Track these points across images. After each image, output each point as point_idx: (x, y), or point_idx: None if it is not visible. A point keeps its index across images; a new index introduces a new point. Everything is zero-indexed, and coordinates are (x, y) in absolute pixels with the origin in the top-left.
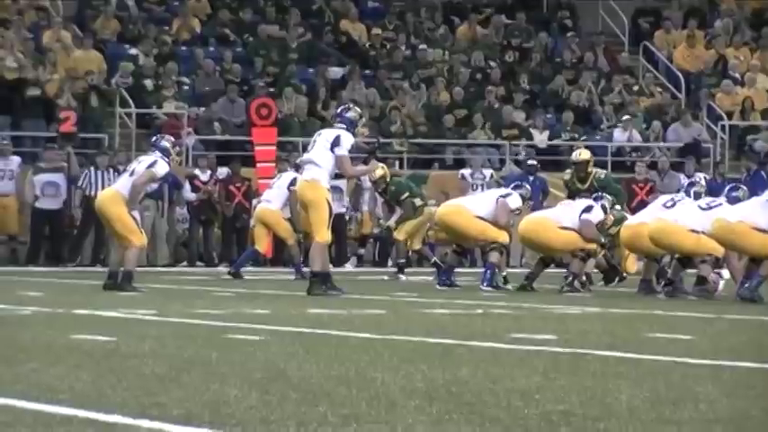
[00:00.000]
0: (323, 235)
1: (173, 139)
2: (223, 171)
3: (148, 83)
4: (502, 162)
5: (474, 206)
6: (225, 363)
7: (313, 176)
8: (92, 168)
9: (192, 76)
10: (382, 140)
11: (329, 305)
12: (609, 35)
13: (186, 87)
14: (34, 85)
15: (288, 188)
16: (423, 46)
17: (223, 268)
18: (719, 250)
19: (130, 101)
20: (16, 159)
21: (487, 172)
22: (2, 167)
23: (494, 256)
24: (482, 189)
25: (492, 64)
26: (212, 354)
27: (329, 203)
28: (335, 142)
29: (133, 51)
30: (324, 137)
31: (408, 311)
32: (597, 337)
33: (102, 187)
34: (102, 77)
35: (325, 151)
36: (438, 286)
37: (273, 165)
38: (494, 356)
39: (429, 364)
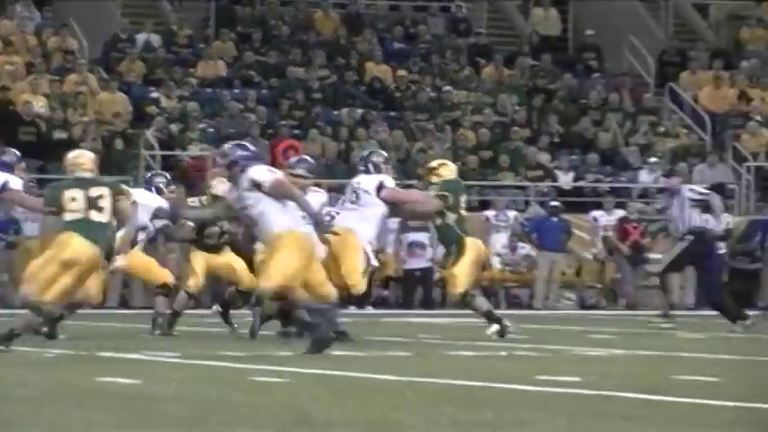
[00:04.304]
0: None
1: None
2: None
3: (173, 126)
4: (527, 203)
5: None
6: (249, 406)
7: None
8: None
9: (218, 118)
10: (407, 182)
11: (353, 347)
12: (634, 76)
13: (211, 130)
14: (60, 128)
15: None
16: (448, 87)
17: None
18: None
19: (155, 143)
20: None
21: (511, 214)
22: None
23: None
24: (505, 231)
25: (517, 105)
26: (236, 396)
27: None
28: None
29: (156, 94)
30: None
31: (432, 353)
32: (622, 379)
33: None
34: (127, 120)
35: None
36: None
37: None
38: (518, 399)
39: (454, 407)
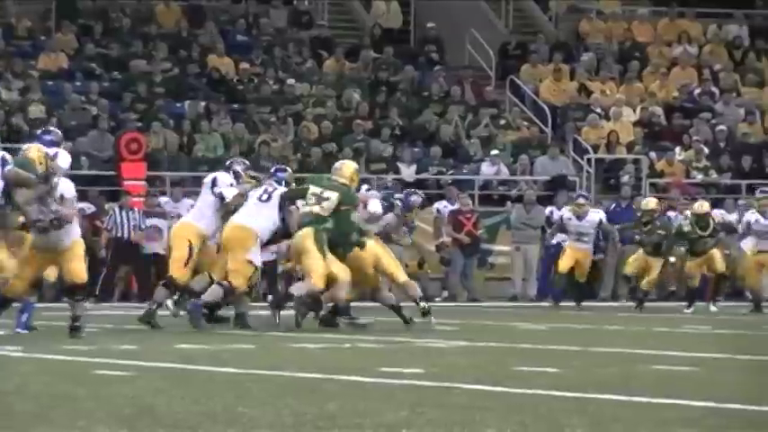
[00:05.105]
0: None
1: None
2: (91, 206)
3: (13, 119)
4: None
5: None
6: (92, 399)
7: None
8: (117, 208)
9: (59, 110)
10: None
11: (197, 340)
12: (475, 69)
13: (53, 122)
14: None
15: None
16: (290, 80)
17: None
18: None
19: None
20: None
21: None
22: None
23: None
24: None
25: (359, 98)
26: (79, 390)
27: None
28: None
29: None
30: None
31: (277, 346)
32: (464, 371)
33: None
34: None
35: None
36: None
37: (143, 199)
38: (362, 391)
39: (297, 399)
